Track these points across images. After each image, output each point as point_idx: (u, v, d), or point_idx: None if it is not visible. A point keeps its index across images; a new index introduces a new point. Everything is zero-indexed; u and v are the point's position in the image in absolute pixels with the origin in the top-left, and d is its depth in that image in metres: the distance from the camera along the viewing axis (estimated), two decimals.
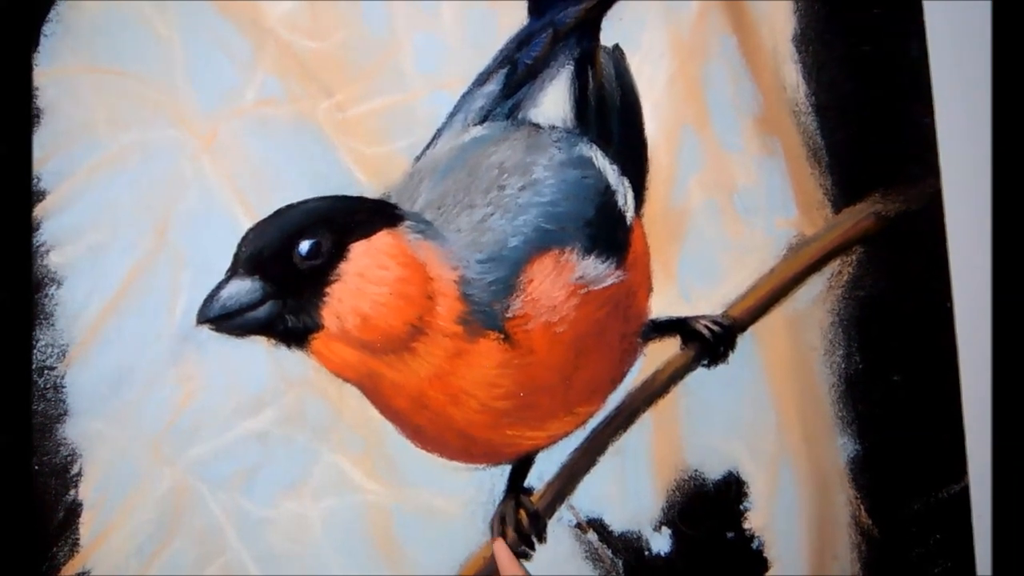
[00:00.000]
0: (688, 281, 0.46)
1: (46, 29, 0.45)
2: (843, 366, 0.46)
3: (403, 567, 0.44)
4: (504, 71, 0.45)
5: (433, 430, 0.41)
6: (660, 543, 0.45)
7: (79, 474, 0.44)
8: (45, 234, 0.44)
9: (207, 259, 0.44)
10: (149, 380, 0.44)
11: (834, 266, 0.46)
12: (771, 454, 0.45)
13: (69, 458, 0.44)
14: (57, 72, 0.45)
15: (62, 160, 0.45)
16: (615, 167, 0.44)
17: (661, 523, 0.45)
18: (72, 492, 0.43)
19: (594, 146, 0.44)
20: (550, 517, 0.44)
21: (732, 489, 0.45)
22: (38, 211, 0.45)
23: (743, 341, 0.45)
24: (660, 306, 0.45)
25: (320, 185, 0.45)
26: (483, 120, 0.45)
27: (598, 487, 0.44)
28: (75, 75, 0.45)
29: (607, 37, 0.46)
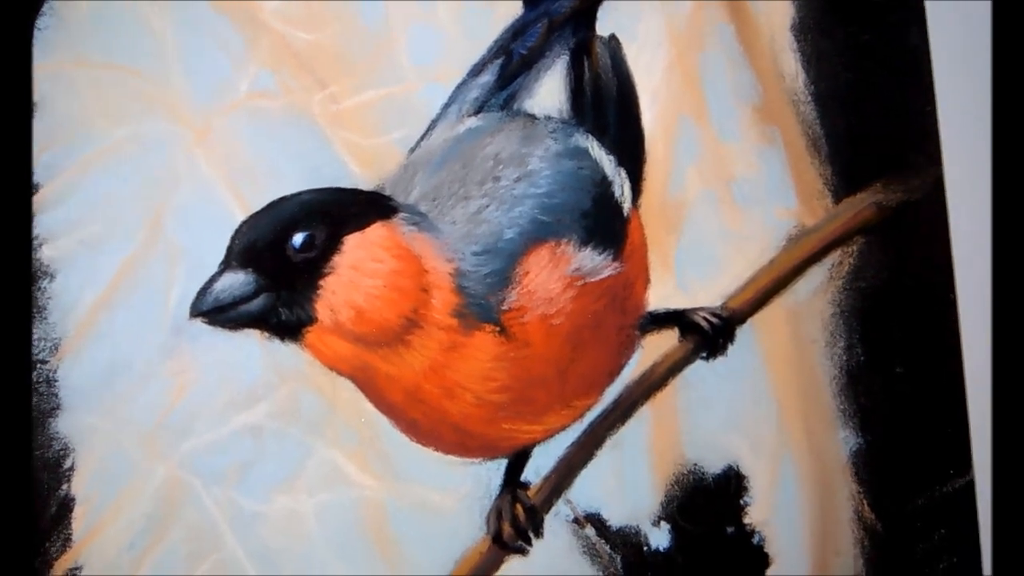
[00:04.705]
0: (686, 273, 0.45)
1: (40, 23, 0.45)
2: (844, 358, 0.45)
3: (398, 562, 0.43)
4: (499, 61, 0.45)
5: (428, 424, 0.41)
6: (659, 538, 0.44)
7: (72, 468, 0.43)
8: (38, 227, 0.44)
9: (201, 252, 0.43)
10: (142, 374, 0.44)
11: (835, 257, 0.45)
12: (772, 448, 0.45)
13: (62, 452, 0.43)
14: (51, 66, 0.45)
15: (56, 154, 0.45)
16: (612, 158, 0.44)
17: (660, 518, 0.44)
18: (65, 487, 0.43)
19: (590, 136, 0.44)
20: (547, 512, 0.44)
21: (732, 483, 0.44)
22: (31, 205, 0.45)
23: (742, 333, 0.45)
24: (658, 298, 0.44)
25: (314, 177, 0.44)
26: (478, 111, 0.44)
27: (596, 481, 0.44)
28: (69, 69, 0.45)
29: (603, 27, 0.46)
